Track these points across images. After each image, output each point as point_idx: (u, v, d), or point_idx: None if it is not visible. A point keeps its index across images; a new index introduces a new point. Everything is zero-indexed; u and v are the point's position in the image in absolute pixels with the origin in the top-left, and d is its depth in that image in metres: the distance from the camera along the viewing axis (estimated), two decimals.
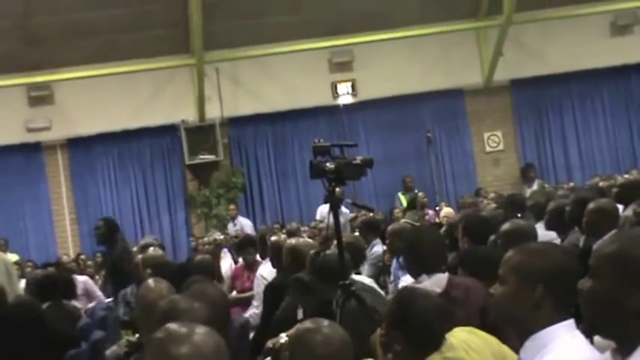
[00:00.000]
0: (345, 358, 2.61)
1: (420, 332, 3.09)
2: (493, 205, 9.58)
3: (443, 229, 7.34)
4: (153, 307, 3.53)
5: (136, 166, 14.83)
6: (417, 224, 8.13)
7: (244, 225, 13.51)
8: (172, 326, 2.19)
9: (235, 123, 14.85)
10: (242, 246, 8.40)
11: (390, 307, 3.24)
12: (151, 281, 4.30)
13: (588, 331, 2.38)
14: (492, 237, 5.18)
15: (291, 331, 2.73)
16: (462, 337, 3.20)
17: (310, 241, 6.54)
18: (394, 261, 6.77)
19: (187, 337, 2.11)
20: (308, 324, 2.69)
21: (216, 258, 8.86)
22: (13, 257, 11.85)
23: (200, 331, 2.15)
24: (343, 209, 11.25)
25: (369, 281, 5.81)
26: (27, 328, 5.56)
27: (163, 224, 14.79)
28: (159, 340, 2.15)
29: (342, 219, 5.92)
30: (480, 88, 15.44)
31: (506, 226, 4.89)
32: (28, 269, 11.08)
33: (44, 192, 14.64)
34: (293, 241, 6.02)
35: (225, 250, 10.06)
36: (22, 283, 8.55)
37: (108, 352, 5.93)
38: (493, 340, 3.22)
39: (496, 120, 15.60)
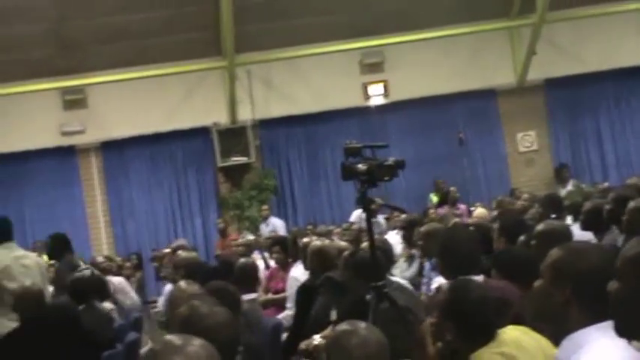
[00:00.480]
0: (381, 359, 2.59)
1: (473, 324, 3.06)
2: (529, 205, 9.50)
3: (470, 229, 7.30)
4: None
5: (169, 169, 14.92)
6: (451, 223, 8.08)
7: (277, 225, 13.54)
8: (169, 337, 2.28)
9: (267, 125, 14.88)
10: (273, 246, 8.43)
11: (444, 297, 3.20)
12: (182, 283, 4.33)
13: (617, 332, 2.35)
14: (522, 237, 5.13)
15: (327, 332, 2.72)
16: (513, 334, 3.15)
17: (338, 242, 6.54)
18: (427, 262, 6.74)
19: (182, 348, 2.20)
20: (344, 326, 2.67)
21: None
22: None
23: (195, 343, 2.23)
24: (379, 219, 11.28)
25: (403, 282, 5.79)
26: (64, 330, 5.60)
27: (196, 226, 14.86)
28: (155, 351, 2.24)
29: (374, 220, 5.90)
30: (513, 87, 15.33)
31: (540, 226, 4.84)
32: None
33: (79, 195, 14.77)
34: (318, 242, 6.03)
35: (257, 252, 10.07)
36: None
37: (142, 351, 5.95)
38: (544, 342, 3.13)
39: (529, 120, 15.48)
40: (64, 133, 14.61)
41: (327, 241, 6.25)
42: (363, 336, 2.59)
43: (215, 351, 2.25)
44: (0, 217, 6.72)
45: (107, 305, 7.49)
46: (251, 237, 11.55)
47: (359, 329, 2.63)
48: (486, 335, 3.05)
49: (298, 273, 7.10)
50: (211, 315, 3.20)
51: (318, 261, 5.63)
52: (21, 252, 6.59)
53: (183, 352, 2.18)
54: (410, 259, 7.87)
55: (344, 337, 2.61)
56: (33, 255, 7.25)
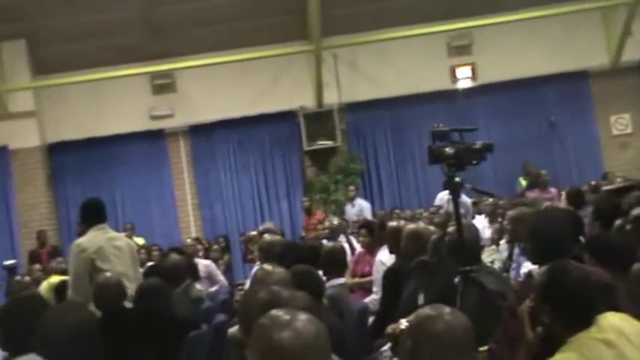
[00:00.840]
0: (467, 345, 2.53)
1: (572, 307, 2.96)
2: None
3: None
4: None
5: (256, 153, 15.03)
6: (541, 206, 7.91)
7: (363, 207, 13.54)
8: (276, 312, 2.28)
9: (353, 108, 14.83)
10: (360, 230, 8.41)
11: (543, 279, 3.11)
12: (266, 266, 4.34)
13: None
14: (619, 221, 4.97)
15: (411, 317, 2.66)
16: (614, 321, 3.01)
17: (429, 227, 6.46)
18: (516, 247, 6.61)
19: (289, 323, 2.19)
20: (429, 311, 2.61)
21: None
22: (139, 241, 12.24)
23: (302, 317, 2.23)
24: (463, 197, 11.10)
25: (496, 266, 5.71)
26: (150, 312, 5.70)
27: (282, 210, 14.96)
28: (263, 326, 2.23)
29: (462, 210, 5.82)
30: (607, 69, 14.89)
31: (637, 211, 4.68)
32: (155, 253, 11.38)
33: (167, 178, 15.03)
34: (413, 225, 5.96)
35: (342, 235, 10.05)
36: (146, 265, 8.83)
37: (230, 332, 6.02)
38: None
39: (623, 102, 15.03)
40: (154, 117, 14.87)
41: (421, 224, 6.18)
42: (448, 321, 2.52)
43: (323, 326, 2.24)
44: (93, 199, 6.85)
45: (198, 287, 7.61)
46: (336, 221, 11.55)
47: (444, 314, 2.56)
48: (586, 319, 2.95)
49: (384, 257, 7.05)
50: (292, 300, 3.20)
51: (413, 243, 5.58)
52: (113, 234, 6.70)
53: (292, 327, 2.19)
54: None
55: (428, 322, 2.55)
56: (124, 237, 7.39)
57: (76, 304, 3.70)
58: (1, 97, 14.08)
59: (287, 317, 2.22)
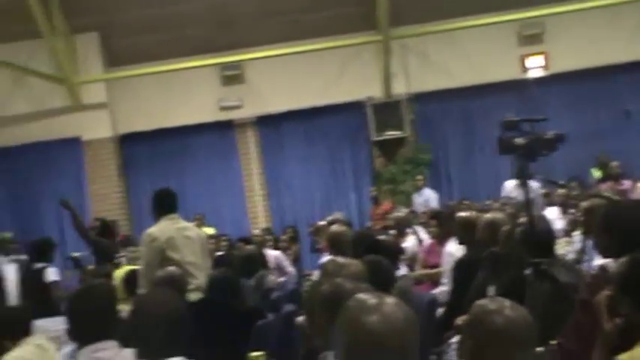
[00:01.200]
0: (529, 341, 2.46)
1: None
2: None
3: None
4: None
5: (323, 143, 15.04)
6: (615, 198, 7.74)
7: (430, 197, 13.44)
8: (364, 296, 2.29)
9: (422, 99, 14.72)
10: (430, 220, 8.35)
11: (623, 270, 3.03)
12: (339, 258, 4.33)
13: None
14: None
15: (470, 311, 2.60)
16: None
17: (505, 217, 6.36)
18: (589, 240, 6.47)
19: (377, 306, 2.20)
20: (488, 304, 2.55)
21: (400, 235, 8.83)
22: (209, 231, 12.34)
23: (389, 301, 2.24)
24: (533, 184, 10.91)
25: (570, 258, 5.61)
26: (220, 302, 5.75)
27: (350, 200, 14.94)
28: (350, 309, 2.24)
29: (532, 195, 5.71)
30: None
31: None
32: (223, 243, 11.48)
33: (236, 168, 15.16)
34: (490, 215, 5.89)
35: (411, 227, 9.97)
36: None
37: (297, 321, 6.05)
38: None
39: None
40: (223, 108, 14.99)
41: (499, 214, 6.10)
42: (508, 316, 2.45)
43: (411, 311, 2.25)
44: (164, 189, 6.91)
45: (270, 278, 7.67)
46: (404, 211, 11.48)
47: (504, 308, 2.50)
48: None
49: (453, 248, 6.99)
50: (355, 292, 3.17)
51: (489, 233, 5.51)
52: (184, 224, 6.77)
53: (380, 311, 2.19)
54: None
55: (487, 316, 2.48)
56: (195, 227, 7.47)
57: (167, 291, 3.72)
58: (74, 89, 14.36)
59: (375, 301, 2.23)
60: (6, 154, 14.37)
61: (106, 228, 10.66)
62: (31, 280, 8.84)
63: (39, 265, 8.87)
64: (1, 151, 14.34)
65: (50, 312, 7.56)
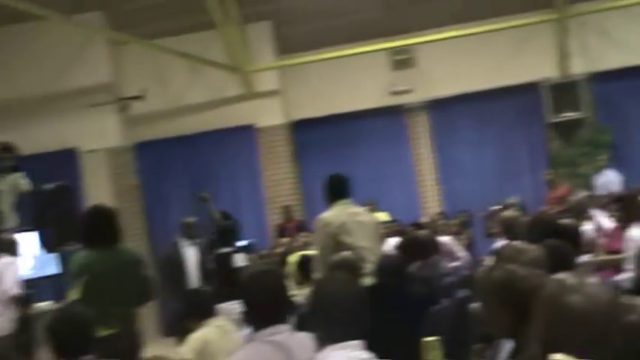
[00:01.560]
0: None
1: None
2: None
3: None
4: None
5: (496, 126, 14.68)
6: None
7: (610, 179, 12.83)
8: (562, 277, 2.28)
9: (601, 78, 14.05)
10: (612, 204, 7.99)
11: None
12: (517, 243, 4.19)
13: None
14: None
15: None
16: None
17: None
18: None
19: (579, 287, 2.20)
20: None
21: (579, 219, 8.47)
22: (383, 216, 12.33)
23: (591, 282, 2.23)
24: None
25: None
26: (390, 287, 5.71)
27: (524, 184, 14.50)
28: (551, 290, 2.25)
29: None
30: None
31: None
32: (395, 229, 11.42)
33: (407, 153, 15.06)
34: None
35: (594, 211, 9.55)
36: (391, 241, 8.89)
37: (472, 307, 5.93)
38: None
39: None
40: (393, 93, 14.92)
41: None
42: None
43: (616, 292, 2.25)
44: (337, 175, 6.91)
45: (442, 264, 7.58)
46: (582, 194, 11.03)
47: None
48: None
49: (636, 233, 6.64)
50: (528, 278, 3.04)
51: None
52: (356, 209, 6.78)
53: (582, 291, 2.18)
54: None
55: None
56: (367, 212, 7.45)
57: (345, 275, 3.73)
58: (247, 78, 14.69)
59: (576, 281, 2.23)
60: (185, 142, 14.88)
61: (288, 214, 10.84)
62: (219, 264, 9.11)
63: (225, 249, 9.12)
64: (181, 140, 14.85)
65: (235, 295, 7.78)
